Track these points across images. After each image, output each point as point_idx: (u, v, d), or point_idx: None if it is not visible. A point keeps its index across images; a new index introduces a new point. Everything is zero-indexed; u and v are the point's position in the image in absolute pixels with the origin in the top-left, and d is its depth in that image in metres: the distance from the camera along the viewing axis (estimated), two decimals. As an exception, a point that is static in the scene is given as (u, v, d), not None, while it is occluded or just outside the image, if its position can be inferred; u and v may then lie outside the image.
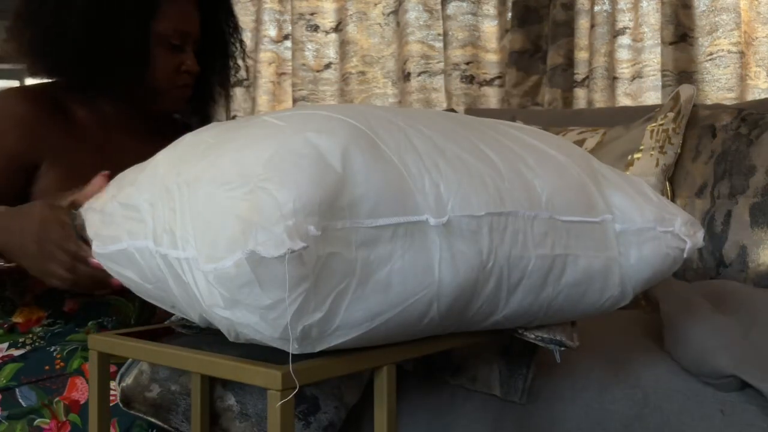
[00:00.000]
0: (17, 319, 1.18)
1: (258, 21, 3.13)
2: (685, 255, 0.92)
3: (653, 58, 2.30)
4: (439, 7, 2.72)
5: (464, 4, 2.66)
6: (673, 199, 1.64)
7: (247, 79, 3.21)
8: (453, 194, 0.74)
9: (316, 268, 0.66)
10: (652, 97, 2.30)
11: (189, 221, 0.72)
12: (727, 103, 2.03)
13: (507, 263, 0.78)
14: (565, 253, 0.83)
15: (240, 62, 1.41)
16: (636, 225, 0.89)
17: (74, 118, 1.23)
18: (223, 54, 1.36)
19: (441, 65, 2.75)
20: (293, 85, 3.03)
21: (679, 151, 1.67)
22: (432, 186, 0.73)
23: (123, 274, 0.85)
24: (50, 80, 1.26)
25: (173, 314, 0.90)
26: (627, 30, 2.33)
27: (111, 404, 1.01)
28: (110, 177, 1.16)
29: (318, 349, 0.70)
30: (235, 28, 1.39)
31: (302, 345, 0.69)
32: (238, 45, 1.40)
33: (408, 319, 0.73)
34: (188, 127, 1.40)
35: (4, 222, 1.02)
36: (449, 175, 0.75)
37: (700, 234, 0.94)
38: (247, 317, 0.68)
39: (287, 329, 0.67)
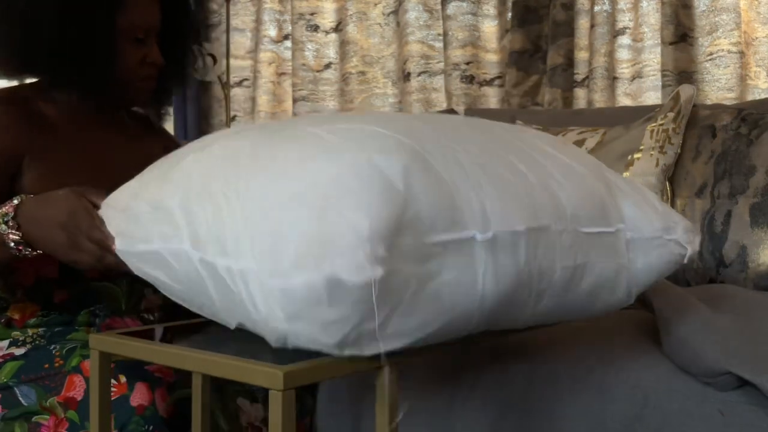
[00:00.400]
0: (13, 315, 1.20)
1: (258, 21, 3.13)
2: (685, 261, 0.97)
3: (653, 58, 2.30)
4: (439, 7, 2.72)
5: (464, 4, 2.66)
6: (673, 199, 1.64)
7: (246, 79, 3.21)
8: (496, 210, 0.77)
9: (382, 284, 0.67)
10: (652, 97, 2.30)
11: (243, 231, 0.72)
12: (727, 103, 2.03)
13: (538, 274, 0.81)
14: (585, 262, 0.87)
15: (197, 53, 1.44)
16: (645, 234, 0.93)
17: (46, 117, 1.25)
18: (182, 47, 1.39)
19: (441, 65, 2.74)
20: (293, 85, 3.03)
21: (679, 151, 1.68)
22: (478, 202, 0.76)
23: (149, 273, 0.86)
24: (16, 82, 1.29)
25: (161, 298, 0.90)
26: (627, 30, 2.33)
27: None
28: (93, 171, 1.20)
29: (367, 353, 0.72)
30: (192, 22, 1.41)
31: (353, 349, 0.71)
32: (195, 37, 1.43)
33: (452, 328, 0.76)
34: (147, 119, 1.45)
35: (30, 211, 1.02)
36: (491, 191, 0.77)
37: (698, 240, 1.00)
38: (307, 329, 0.70)
39: (344, 338, 0.69)
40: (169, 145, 1.47)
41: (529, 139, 0.93)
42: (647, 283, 0.96)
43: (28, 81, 1.28)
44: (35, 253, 1.02)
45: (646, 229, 0.94)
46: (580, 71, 2.41)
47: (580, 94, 2.41)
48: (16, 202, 1.03)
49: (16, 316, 1.20)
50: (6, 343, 1.16)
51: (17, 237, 1.01)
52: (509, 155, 0.85)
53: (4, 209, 1.02)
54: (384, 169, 0.71)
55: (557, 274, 0.83)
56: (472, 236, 0.74)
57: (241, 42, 3.21)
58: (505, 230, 0.76)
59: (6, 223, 1.01)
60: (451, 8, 2.66)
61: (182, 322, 0.99)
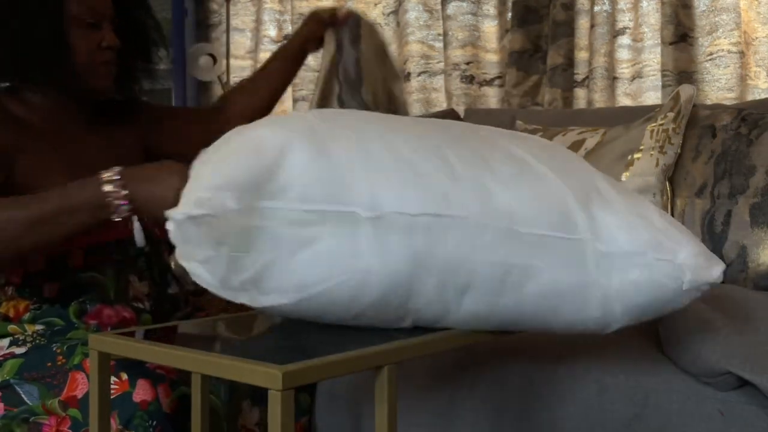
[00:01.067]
0: (7, 312, 1.21)
1: (258, 21, 3.13)
2: (685, 287, 0.88)
3: (653, 58, 2.30)
4: (439, 7, 2.72)
5: (464, 4, 2.66)
6: (673, 199, 1.64)
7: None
8: (391, 193, 0.81)
9: (243, 236, 0.78)
10: (652, 97, 2.30)
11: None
12: (727, 103, 2.03)
13: (448, 264, 0.82)
14: (524, 263, 0.84)
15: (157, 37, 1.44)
16: (622, 248, 0.86)
17: (16, 118, 1.27)
18: (140, 32, 1.39)
19: (441, 65, 2.74)
20: (293, 85, 3.03)
21: (679, 151, 1.67)
22: (368, 184, 0.81)
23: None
24: None
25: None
26: (627, 30, 2.33)
27: (111, 397, 1.02)
28: (67, 168, 1.22)
29: (257, 304, 0.83)
30: (147, 7, 1.42)
31: (241, 296, 0.82)
32: (152, 22, 1.43)
33: (339, 298, 0.81)
34: (121, 107, 1.44)
35: (135, 174, 1.07)
36: (393, 176, 0.82)
37: (716, 270, 0.89)
38: (196, 268, 0.82)
39: (225, 281, 0.81)
40: (155, 113, 1.47)
41: (496, 139, 0.93)
42: (637, 306, 0.88)
43: None
44: (127, 215, 1.07)
45: (624, 244, 0.86)
46: (580, 71, 2.40)
47: (580, 94, 2.41)
48: (117, 168, 1.07)
49: (11, 313, 1.21)
50: (6, 342, 1.17)
51: (124, 194, 1.05)
52: (449, 153, 0.86)
53: (106, 174, 1.06)
54: (264, 140, 0.81)
55: (480, 269, 0.82)
56: (353, 211, 0.79)
57: (241, 42, 3.21)
58: (394, 211, 0.80)
59: (111, 182, 1.06)
60: (451, 8, 2.66)
61: (178, 322, 0.99)
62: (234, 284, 0.81)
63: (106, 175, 1.06)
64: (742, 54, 2.14)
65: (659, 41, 2.27)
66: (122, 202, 1.05)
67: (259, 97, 1.50)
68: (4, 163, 1.19)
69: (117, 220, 1.06)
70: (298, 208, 0.79)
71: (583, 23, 2.39)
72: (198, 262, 0.82)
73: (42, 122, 1.28)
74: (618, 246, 0.86)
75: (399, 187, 0.81)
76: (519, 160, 0.90)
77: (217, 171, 0.80)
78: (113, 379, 1.05)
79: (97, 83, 1.29)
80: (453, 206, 0.82)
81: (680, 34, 2.22)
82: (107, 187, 1.05)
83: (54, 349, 1.14)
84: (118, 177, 1.06)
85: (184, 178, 1.00)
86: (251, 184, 0.78)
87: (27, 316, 1.21)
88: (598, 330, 0.91)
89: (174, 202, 1.01)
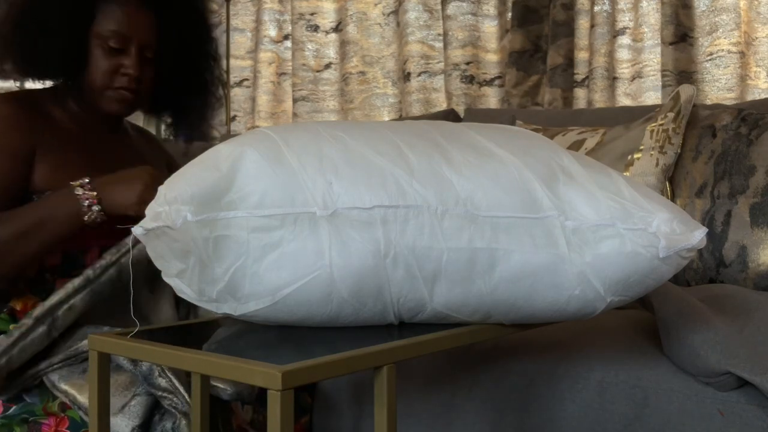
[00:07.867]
0: (15, 306, 1.22)
1: (258, 21, 3.13)
2: (661, 254, 0.85)
3: (653, 58, 2.30)
4: (439, 7, 2.72)
5: (464, 4, 2.66)
6: (673, 199, 1.64)
7: (246, 79, 3.21)
8: (345, 190, 0.83)
9: (206, 246, 0.81)
10: (652, 97, 2.30)
11: None
12: (727, 103, 2.03)
13: (413, 254, 0.83)
14: (490, 247, 0.84)
15: (216, 73, 1.50)
16: (589, 222, 0.86)
17: (53, 119, 1.32)
18: (186, 64, 1.42)
19: (441, 65, 2.74)
20: (293, 85, 3.03)
21: (679, 151, 1.67)
22: (324, 184, 0.83)
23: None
24: (26, 86, 1.38)
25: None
26: (627, 30, 2.33)
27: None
28: (94, 169, 1.25)
29: (239, 312, 0.85)
30: (203, 38, 1.47)
31: (223, 307, 0.86)
32: (209, 56, 1.48)
33: (312, 295, 0.83)
34: (152, 137, 1.54)
35: (104, 180, 1.17)
36: (347, 174, 0.84)
37: (696, 234, 0.87)
38: (175, 282, 0.86)
39: (202, 292, 0.84)
40: (170, 161, 1.51)
41: (459, 131, 0.94)
42: (616, 279, 0.86)
43: (42, 86, 1.37)
44: (100, 217, 1.15)
45: (591, 218, 0.86)
46: (580, 71, 2.41)
47: (580, 94, 2.41)
48: (87, 179, 1.16)
49: (18, 307, 1.22)
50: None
51: (93, 195, 1.14)
52: (403, 145, 0.88)
53: (77, 181, 1.16)
54: (219, 154, 0.85)
55: (446, 256, 0.83)
56: (310, 211, 0.82)
57: (241, 42, 3.21)
58: (348, 207, 0.82)
59: (82, 187, 1.15)
60: (451, 8, 2.66)
61: (181, 323, 0.99)
62: (212, 295, 0.84)
63: (77, 182, 1.16)
64: (742, 54, 2.14)
65: (659, 41, 2.27)
66: (92, 201, 1.14)
67: None
68: (26, 162, 1.24)
69: (93, 222, 1.15)
70: (257, 215, 0.81)
71: (583, 23, 2.39)
72: (174, 276, 0.85)
73: (74, 126, 1.33)
74: (585, 220, 0.86)
75: (351, 183, 0.83)
76: (479, 148, 0.90)
77: (172, 186, 0.83)
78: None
79: (107, 107, 1.33)
80: (408, 197, 0.83)
81: (680, 34, 2.22)
82: (78, 191, 1.14)
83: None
84: (87, 181, 1.15)
85: (148, 185, 1.12)
86: (207, 195, 0.81)
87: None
88: (587, 311, 0.90)
89: (136, 205, 1.13)
